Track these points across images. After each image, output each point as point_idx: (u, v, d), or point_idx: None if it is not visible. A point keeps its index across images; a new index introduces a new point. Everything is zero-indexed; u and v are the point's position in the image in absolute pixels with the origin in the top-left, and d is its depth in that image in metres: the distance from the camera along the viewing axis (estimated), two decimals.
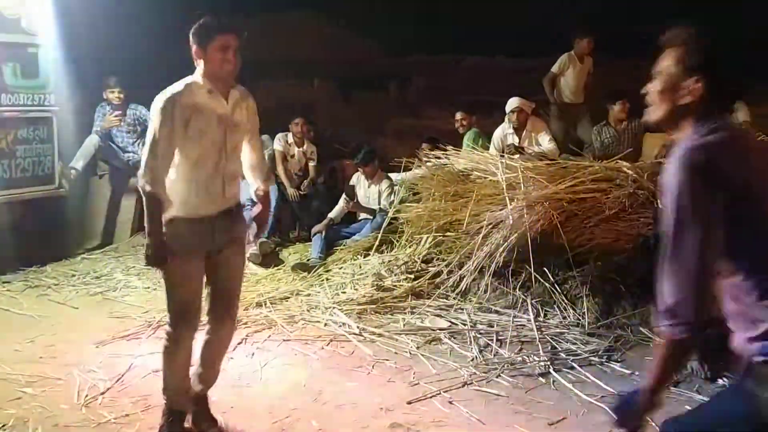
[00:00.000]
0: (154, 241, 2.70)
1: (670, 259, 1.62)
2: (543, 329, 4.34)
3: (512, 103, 6.41)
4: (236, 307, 3.08)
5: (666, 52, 1.73)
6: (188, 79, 2.77)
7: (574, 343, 4.18)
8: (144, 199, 2.71)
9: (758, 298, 1.62)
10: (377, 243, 5.73)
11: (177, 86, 2.74)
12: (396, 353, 4.11)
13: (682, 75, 1.70)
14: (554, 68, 7.14)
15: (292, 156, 6.95)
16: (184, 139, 2.71)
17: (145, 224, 2.73)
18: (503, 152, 6.16)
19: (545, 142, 6.34)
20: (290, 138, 6.92)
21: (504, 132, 6.50)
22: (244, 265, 3.12)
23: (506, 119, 6.49)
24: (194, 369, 3.08)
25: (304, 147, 6.93)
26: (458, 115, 7.03)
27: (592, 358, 3.99)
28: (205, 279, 2.94)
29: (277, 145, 6.88)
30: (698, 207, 1.58)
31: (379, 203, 6.26)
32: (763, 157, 1.73)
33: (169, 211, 2.76)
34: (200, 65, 2.75)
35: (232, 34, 2.71)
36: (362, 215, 6.42)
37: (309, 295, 5.17)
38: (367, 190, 6.41)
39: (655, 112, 1.77)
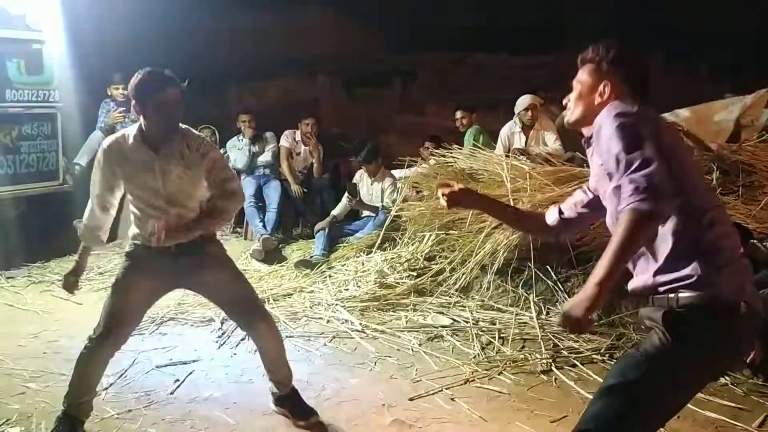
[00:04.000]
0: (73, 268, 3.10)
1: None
2: (545, 327, 4.35)
3: (525, 100, 6.36)
4: (257, 306, 3.11)
5: (583, 68, 2.11)
6: (131, 128, 2.89)
7: (576, 341, 4.18)
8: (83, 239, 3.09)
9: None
10: (380, 240, 5.74)
11: (114, 135, 2.94)
12: (398, 350, 4.12)
13: (596, 82, 2.06)
14: None
15: (298, 154, 6.97)
16: (121, 182, 2.88)
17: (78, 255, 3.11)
18: (509, 151, 6.15)
19: (551, 142, 6.33)
20: (298, 136, 6.94)
21: (511, 130, 6.48)
22: (234, 271, 3.08)
23: (515, 118, 6.45)
24: (269, 378, 3.18)
25: (311, 147, 6.92)
26: (458, 114, 7.01)
27: (594, 356, 4.00)
28: (214, 303, 3.17)
29: (284, 141, 6.91)
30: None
31: (382, 201, 6.26)
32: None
33: (131, 237, 2.96)
34: (141, 119, 2.81)
35: (171, 89, 2.73)
36: (365, 212, 6.42)
37: (312, 291, 5.18)
38: (369, 188, 6.42)
39: (573, 114, 2.13)
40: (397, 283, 5.10)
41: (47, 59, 6.04)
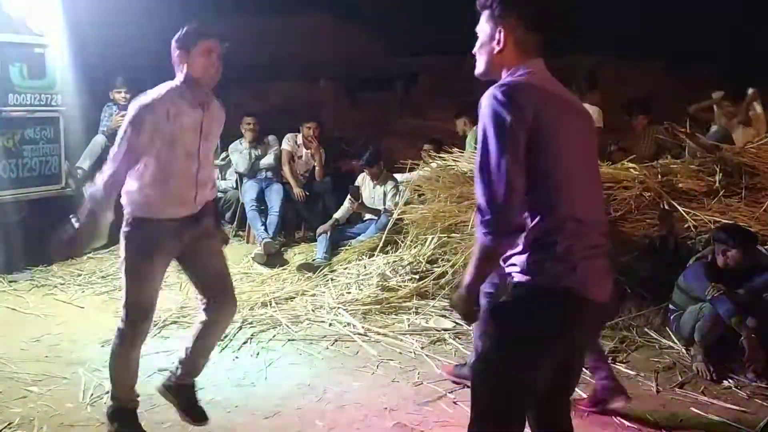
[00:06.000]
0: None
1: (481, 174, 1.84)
2: None
3: None
4: (232, 288, 3.00)
5: (482, 15, 2.00)
6: (168, 85, 2.77)
7: None
8: (91, 200, 2.74)
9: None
10: (382, 243, 5.73)
11: (157, 92, 2.74)
12: (400, 353, 4.11)
13: (492, 30, 1.96)
14: None
15: (300, 157, 6.97)
16: (156, 146, 2.70)
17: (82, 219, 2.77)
18: None
19: None
20: (299, 139, 6.94)
21: None
22: (221, 249, 3.04)
23: None
24: (182, 358, 2.99)
25: (313, 150, 6.91)
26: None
27: None
28: (189, 276, 2.98)
29: (286, 144, 6.91)
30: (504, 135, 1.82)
31: (384, 204, 6.26)
32: (561, 102, 1.93)
33: (133, 212, 2.77)
34: (182, 71, 2.76)
35: (216, 40, 2.74)
36: (367, 216, 6.42)
37: (314, 295, 5.17)
38: (372, 191, 6.42)
39: (478, 66, 2.02)
40: (400, 286, 5.10)
41: (50, 63, 6.04)
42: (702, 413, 3.35)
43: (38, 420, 3.18)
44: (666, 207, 4.79)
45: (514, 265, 1.92)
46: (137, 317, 2.83)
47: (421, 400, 3.47)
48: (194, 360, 3.00)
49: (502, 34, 1.94)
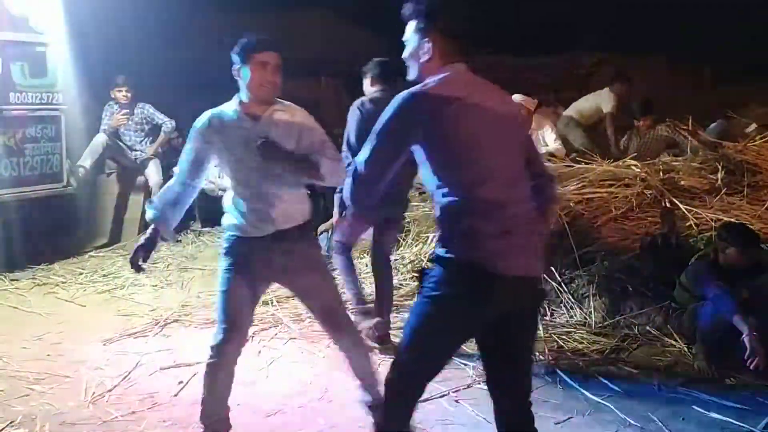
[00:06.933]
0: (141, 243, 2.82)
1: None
2: (549, 328, 4.33)
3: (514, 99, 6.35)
4: (344, 318, 2.97)
5: (408, 24, 2.16)
6: (233, 100, 2.79)
7: (581, 342, 4.17)
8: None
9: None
10: None
11: (216, 108, 2.79)
12: None
13: (419, 41, 2.13)
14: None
15: None
16: (212, 156, 2.77)
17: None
18: None
19: (551, 141, 6.30)
20: None
21: None
22: (329, 281, 2.98)
23: None
24: (359, 385, 3.00)
25: None
26: None
27: (599, 358, 3.98)
28: (307, 305, 3.01)
29: None
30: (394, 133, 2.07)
31: None
32: (470, 103, 2.06)
33: (228, 230, 2.81)
34: (241, 85, 2.74)
35: (272, 51, 2.71)
36: None
37: None
38: None
39: (410, 73, 2.21)
40: (401, 284, 5.10)
41: (51, 62, 6.05)
42: (704, 411, 3.35)
43: (40, 418, 3.18)
44: (667, 205, 4.79)
45: (437, 240, 2.15)
46: (223, 337, 2.75)
47: (423, 399, 3.46)
48: (363, 384, 2.99)
49: (428, 45, 2.12)
